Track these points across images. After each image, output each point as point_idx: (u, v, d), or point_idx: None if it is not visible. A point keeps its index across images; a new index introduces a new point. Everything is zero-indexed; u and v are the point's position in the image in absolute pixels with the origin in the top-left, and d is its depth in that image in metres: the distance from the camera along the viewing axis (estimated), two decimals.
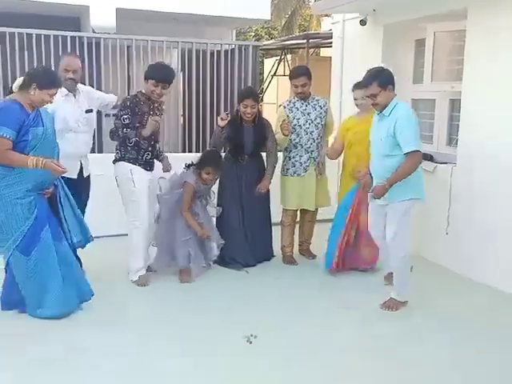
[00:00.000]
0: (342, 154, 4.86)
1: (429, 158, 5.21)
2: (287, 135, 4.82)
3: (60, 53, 6.40)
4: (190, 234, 4.57)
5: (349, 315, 3.97)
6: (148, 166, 4.46)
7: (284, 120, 4.82)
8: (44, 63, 6.37)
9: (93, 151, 6.26)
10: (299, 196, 5.03)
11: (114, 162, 4.45)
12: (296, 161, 4.99)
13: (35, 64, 6.27)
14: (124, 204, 4.45)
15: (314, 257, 5.28)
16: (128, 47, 6.89)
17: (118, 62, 6.71)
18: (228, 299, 4.25)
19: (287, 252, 5.16)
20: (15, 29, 6.21)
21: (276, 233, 5.19)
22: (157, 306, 4.11)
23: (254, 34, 22.61)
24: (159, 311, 4.00)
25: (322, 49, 14.78)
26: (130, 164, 4.36)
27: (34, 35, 6.31)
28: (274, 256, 5.21)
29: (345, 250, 4.65)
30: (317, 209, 5.20)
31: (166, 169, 4.66)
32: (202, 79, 7.19)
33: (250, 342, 3.43)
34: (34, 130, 3.58)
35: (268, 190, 5.01)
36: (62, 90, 4.17)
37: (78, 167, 4.34)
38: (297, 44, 13.34)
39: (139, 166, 4.38)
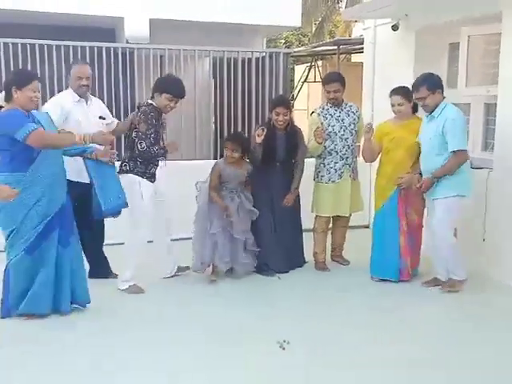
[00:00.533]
0: (378, 160, 4.83)
1: None
2: (321, 143, 4.80)
3: (96, 63, 6.58)
4: (219, 227, 4.63)
5: (382, 319, 3.96)
6: (152, 178, 4.44)
7: (318, 127, 4.80)
8: None
9: None
10: (334, 203, 4.98)
11: (120, 173, 4.37)
12: (331, 167, 4.95)
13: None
14: (129, 215, 4.36)
15: (348, 263, 5.25)
16: (161, 56, 7.01)
17: (151, 71, 6.83)
18: (259, 303, 4.29)
19: (320, 259, 5.13)
20: (53, 41, 6.40)
21: (307, 239, 5.17)
22: (184, 309, 4.15)
23: (284, 40, 22.69)
24: (187, 314, 4.04)
25: (353, 54, 14.76)
26: (139, 177, 4.35)
27: (70, 47, 6.49)
28: (306, 262, 5.20)
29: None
30: (350, 214, 5.17)
31: (174, 147, 4.55)
32: (233, 87, 7.26)
33: (283, 348, 3.44)
34: None
35: (298, 196, 5.02)
36: (74, 96, 4.40)
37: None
38: (327, 50, 13.35)
39: (146, 179, 4.38)
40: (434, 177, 4.21)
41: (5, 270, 3.79)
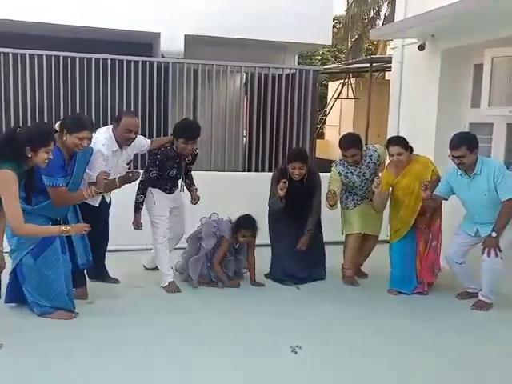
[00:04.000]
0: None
1: None
2: (333, 205, 4.87)
3: (132, 76, 6.89)
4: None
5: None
6: (167, 191, 4.86)
7: (329, 192, 4.86)
8: (117, 87, 6.87)
9: None
10: (360, 221, 5.09)
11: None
12: (352, 199, 5.14)
13: (109, 87, 6.78)
14: (150, 221, 4.84)
15: (366, 276, 5.35)
16: (194, 71, 7.27)
17: (184, 84, 7.11)
18: (275, 312, 4.41)
19: (348, 273, 5.18)
20: (93, 54, 6.75)
21: (334, 252, 5.30)
22: (200, 318, 4.28)
23: (320, 57, 22.88)
24: (201, 323, 4.17)
25: (387, 72, 14.83)
26: (151, 188, 4.77)
27: (108, 60, 6.81)
28: (325, 274, 5.31)
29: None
30: (377, 237, 5.26)
31: (195, 201, 4.99)
32: (263, 102, 7.47)
33: (296, 353, 3.58)
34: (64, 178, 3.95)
35: (319, 210, 5.12)
36: (113, 145, 4.44)
37: (99, 200, 4.60)
38: (360, 68, 13.48)
39: (159, 188, 4.80)
40: (498, 234, 4.27)
41: (15, 267, 4.02)
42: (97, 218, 4.54)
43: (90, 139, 4.02)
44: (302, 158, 4.91)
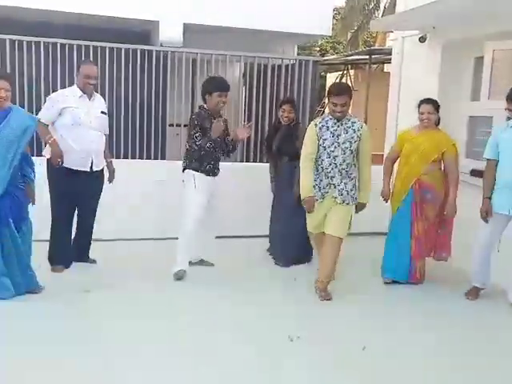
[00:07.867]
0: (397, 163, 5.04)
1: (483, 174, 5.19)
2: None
3: (131, 65, 6.85)
4: None
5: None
6: (210, 173, 4.88)
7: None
8: (115, 74, 6.82)
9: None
10: (315, 220, 4.60)
11: (183, 170, 4.92)
12: (316, 184, 4.49)
13: (107, 75, 6.73)
14: (183, 205, 4.83)
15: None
16: (193, 60, 7.23)
17: (183, 73, 7.07)
18: (271, 300, 4.45)
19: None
20: (90, 42, 6.69)
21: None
22: (191, 303, 4.37)
23: (319, 48, 22.79)
24: (189, 309, 4.25)
25: (386, 64, 14.80)
26: (194, 171, 4.83)
27: (107, 48, 6.76)
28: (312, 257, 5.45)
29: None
30: (340, 238, 4.51)
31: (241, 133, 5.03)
32: (262, 92, 7.44)
33: (292, 340, 3.62)
34: None
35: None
36: (76, 92, 4.76)
37: (90, 163, 4.78)
38: (360, 59, 13.44)
39: (201, 172, 4.83)
40: None
41: None
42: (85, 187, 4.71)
43: (6, 90, 4.04)
44: (290, 102, 5.53)
